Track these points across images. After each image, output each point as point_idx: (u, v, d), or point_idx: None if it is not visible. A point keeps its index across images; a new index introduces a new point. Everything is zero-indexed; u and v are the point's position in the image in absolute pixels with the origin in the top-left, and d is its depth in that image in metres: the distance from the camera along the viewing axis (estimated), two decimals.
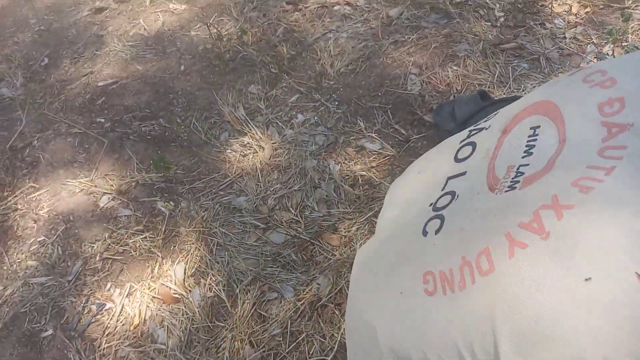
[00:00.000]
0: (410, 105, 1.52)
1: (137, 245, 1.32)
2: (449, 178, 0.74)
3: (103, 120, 1.67)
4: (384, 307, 0.68)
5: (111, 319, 1.20)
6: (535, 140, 0.66)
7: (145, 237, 1.33)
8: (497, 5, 1.79)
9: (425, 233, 0.68)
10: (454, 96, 1.51)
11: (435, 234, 0.66)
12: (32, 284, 1.29)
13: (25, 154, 1.61)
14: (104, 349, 1.15)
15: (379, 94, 1.57)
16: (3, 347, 1.20)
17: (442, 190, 0.73)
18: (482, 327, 0.54)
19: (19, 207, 1.47)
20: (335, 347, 1.07)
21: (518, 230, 0.56)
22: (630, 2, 1.69)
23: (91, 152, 1.58)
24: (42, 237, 1.38)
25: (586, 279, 0.48)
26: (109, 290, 1.25)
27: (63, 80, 1.85)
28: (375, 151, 1.42)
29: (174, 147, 1.55)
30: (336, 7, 1.93)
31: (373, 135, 1.46)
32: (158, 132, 1.60)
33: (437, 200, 0.72)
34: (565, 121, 0.65)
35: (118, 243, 1.33)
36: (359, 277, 0.79)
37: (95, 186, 1.48)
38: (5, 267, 1.35)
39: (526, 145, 0.66)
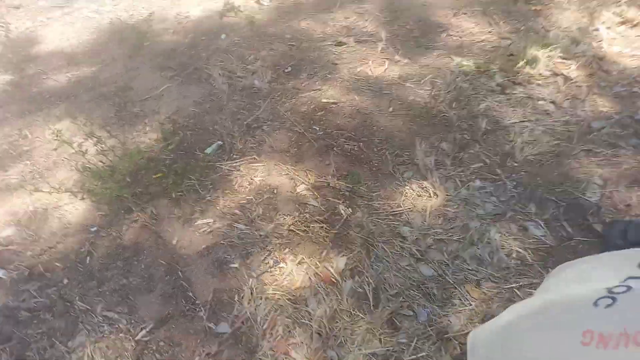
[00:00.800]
0: (584, 210, 1.63)
1: (315, 230, 1.65)
2: (630, 277, 0.89)
3: (317, 128, 2.07)
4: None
5: (281, 275, 1.53)
6: None
7: (323, 227, 1.65)
8: None
9: (596, 305, 0.84)
10: (632, 218, 1.58)
11: (605, 308, 0.82)
12: (234, 226, 1.70)
13: (256, 133, 2.09)
14: (269, 294, 1.48)
15: (557, 189, 1.71)
16: (201, 263, 1.61)
17: (621, 282, 0.88)
18: None
19: (241, 170, 1.92)
20: None
21: None
22: None
23: (302, 149, 1.98)
24: (251, 197, 1.79)
25: None
26: (286, 254, 1.59)
27: (297, 88, 2.32)
28: (537, 236, 1.56)
29: (365, 167, 1.87)
30: (540, 102, 2.11)
31: (540, 222, 1.60)
32: (356, 152, 1.94)
33: (614, 287, 0.87)
34: None
35: (302, 223, 1.67)
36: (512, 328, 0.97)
37: (298, 175, 1.86)
38: (218, 208, 1.78)
39: None
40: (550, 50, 2.33)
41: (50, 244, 1.72)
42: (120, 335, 1.44)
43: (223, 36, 2.79)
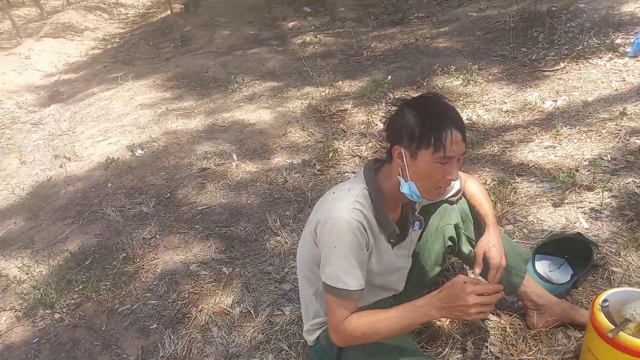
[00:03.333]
0: None
1: (209, 288, 2.31)
2: None
3: (198, 226, 2.82)
4: None
5: (190, 322, 2.14)
6: None
7: (214, 285, 2.33)
8: None
9: None
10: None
11: None
12: (148, 303, 2.29)
13: (151, 241, 2.75)
14: (184, 334, 2.07)
15: None
16: (127, 334, 2.15)
17: None
18: None
19: (145, 267, 2.55)
20: None
21: None
22: None
23: (189, 242, 2.69)
24: (157, 282, 2.41)
25: None
26: (190, 307, 2.21)
27: (177, 205, 3.08)
28: None
29: (237, 241, 2.63)
30: (346, 174, 3.12)
31: None
32: (229, 233, 2.70)
33: None
34: None
35: (198, 286, 2.33)
36: None
37: (188, 259, 2.55)
38: (132, 296, 2.36)
39: None
40: (348, 142, 3.46)
41: None
42: None
43: (109, 184, 3.49)
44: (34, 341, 2.20)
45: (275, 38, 6.86)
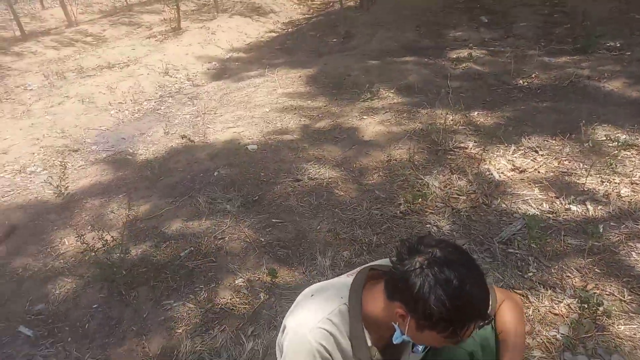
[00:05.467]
0: None
1: (239, 309, 2.35)
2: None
3: (263, 239, 2.87)
4: None
5: (210, 338, 2.21)
6: None
7: (246, 307, 2.36)
8: None
9: None
10: None
11: None
12: (186, 305, 2.43)
13: (218, 243, 2.90)
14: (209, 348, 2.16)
15: None
16: (158, 328, 2.32)
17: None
18: None
19: (200, 267, 2.70)
20: None
21: None
22: None
23: (248, 254, 2.76)
24: (202, 285, 2.54)
25: None
26: (215, 323, 2.28)
27: (257, 212, 3.18)
28: None
29: (285, 268, 2.61)
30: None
31: None
32: (283, 257, 2.69)
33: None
34: None
35: (232, 304, 2.39)
36: None
37: (239, 271, 2.61)
38: (178, 293, 2.52)
39: None
40: (448, 188, 3.13)
41: (63, 316, 2.49)
42: None
43: (216, 173, 3.77)
44: (93, 307, 2.52)
45: (432, 48, 6.52)
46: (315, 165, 3.70)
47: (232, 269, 2.65)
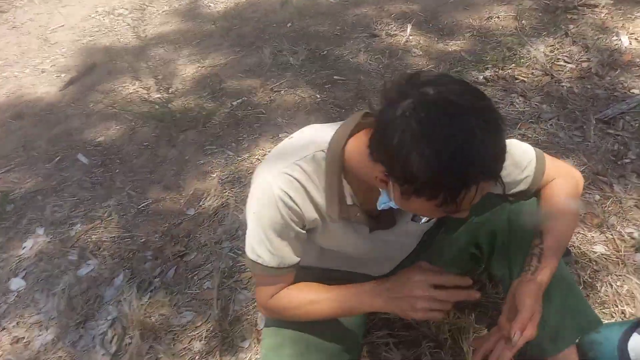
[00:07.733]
0: None
1: None
2: None
3: (319, 96, 2.59)
4: None
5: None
6: None
7: None
8: None
9: None
10: None
11: None
12: (225, 155, 2.34)
13: (273, 95, 2.69)
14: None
15: None
16: (194, 173, 2.28)
17: None
18: None
19: (247, 118, 2.55)
20: None
21: None
22: None
23: (299, 108, 2.53)
24: (244, 136, 2.41)
25: None
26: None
27: (321, 67, 2.86)
28: None
29: None
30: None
31: None
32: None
33: None
34: None
35: None
36: None
37: (287, 125, 2.42)
38: (221, 140, 2.43)
39: None
40: (547, 49, 2.49)
41: (117, 150, 2.57)
42: None
43: (289, 24, 3.45)
44: (144, 144, 2.55)
45: None
46: (399, 20, 3.18)
47: (279, 123, 2.47)
